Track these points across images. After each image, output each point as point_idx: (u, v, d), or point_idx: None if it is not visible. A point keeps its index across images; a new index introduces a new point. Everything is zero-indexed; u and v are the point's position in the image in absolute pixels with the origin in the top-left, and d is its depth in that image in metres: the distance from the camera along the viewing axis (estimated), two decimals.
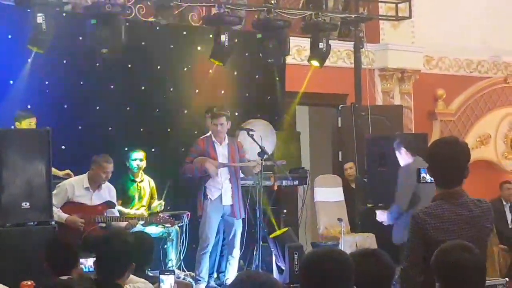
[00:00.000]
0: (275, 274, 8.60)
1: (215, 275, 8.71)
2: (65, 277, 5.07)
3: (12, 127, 8.21)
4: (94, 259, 5.25)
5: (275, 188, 8.99)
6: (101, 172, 8.09)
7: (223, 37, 9.19)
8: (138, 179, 8.91)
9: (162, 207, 8.87)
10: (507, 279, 8.04)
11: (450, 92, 13.18)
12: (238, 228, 8.45)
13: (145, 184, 8.97)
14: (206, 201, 8.29)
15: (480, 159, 13.03)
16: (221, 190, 8.32)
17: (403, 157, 8.24)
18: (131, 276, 4.70)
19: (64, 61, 9.12)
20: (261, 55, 9.82)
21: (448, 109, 13.21)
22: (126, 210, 8.62)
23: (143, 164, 8.89)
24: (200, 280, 8.32)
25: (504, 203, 11.65)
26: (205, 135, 8.63)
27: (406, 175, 7.86)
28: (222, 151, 8.37)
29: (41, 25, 8.00)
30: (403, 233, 7.76)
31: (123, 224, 8.17)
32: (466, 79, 13.51)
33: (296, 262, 8.27)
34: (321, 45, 9.97)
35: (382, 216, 8.28)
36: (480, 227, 4.16)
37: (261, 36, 9.70)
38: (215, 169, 8.23)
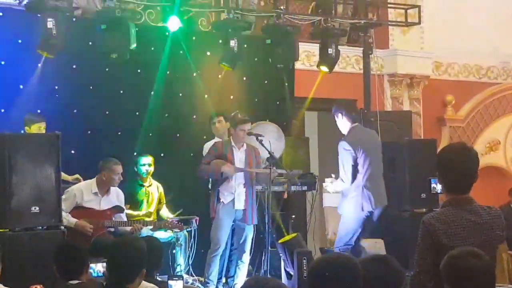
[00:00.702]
0: (284, 279, 8.59)
1: (223, 280, 8.70)
2: (74, 282, 5.09)
3: (22, 131, 8.24)
4: (104, 263, 5.27)
5: (285, 196, 8.98)
6: (113, 175, 8.12)
7: (232, 43, 9.20)
8: (146, 184, 8.93)
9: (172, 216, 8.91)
10: None
11: (459, 98, 13.17)
12: (249, 233, 8.43)
13: (153, 189, 8.99)
14: (218, 204, 8.28)
15: (489, 165, 13.00)
16: (234, 194, 8.31)
17: (343, 123, 8.32)
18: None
19: (74, 66, 9.15)
20: (270, 60, 9.82)
21: (457, 115, 13.19)
22: (134, 213, 8.65)
23: (152, 169, 8.91)
24: (209, 283, 8.32)
25: None
26: (220, 140, 8.61)
27: (345, 151, 8.07)
28: (240, 156, 8.37)
29: (51, 30, 8.01)
30: (351, 206, 8.06)
31: (129, 228, 8.18)
32: (476, 85, 13.50)
33: (304, 268, 8.27)
34: (330, 50, 9.97)
35: (331, 187, 8.32)
36: (490, 233, 4.15)
37: (270, 41, 9.71)
38: (232, 172, 8.22)
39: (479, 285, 3.46)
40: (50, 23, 8.00)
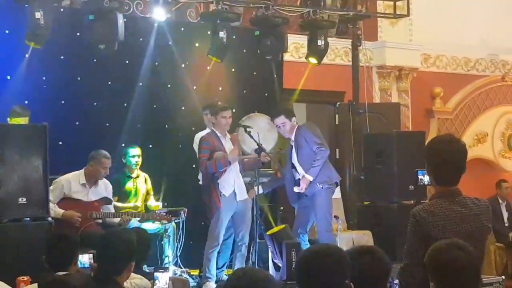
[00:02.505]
0: (272, 271, 8.58)
1: (225, 270, 8.65)
2: (62, 273, 5.07)
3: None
4: (90, 255, 5.26)
5: (279, 175, 8.94)
6: (101, 168, 8.09)
7: (221, 34, 9.17)
8: (134, 175, 8.91)
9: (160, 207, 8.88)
10: (503, 277, 8.06)
11: (447, 90, 13.19)
12: (249, 225, 8.38)
13: (141, 180, 8.96)
14: (220, 197, 8.20)
15: (477, 158, 13.05)
16: (234, 186, 8.27)
17: (292, 127, 8.52)
18: None
19: (62, 57, 9.10)
20: (259, 52, 9.80)
21: (445, 107, 13.21)
22: (122, 205, 8.62)
23: (140, 160, 8.89)
24: (210, 278, 8.22)
25: (501, 201, 11.67)
26: (207, 132, 8.56)
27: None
28: (228, 145, 8.34)
29: (39, 21, 7.97)
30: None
31: (117, 220, 8.15)
32: (464, 77, 13.52)
33: (293, 259, 8.27)
34: (319, 42, 9.96)
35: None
36: (479, 225, 4.15)
37: (259, 33, 9.68)
38: (236, 158, 8.20)
39: (463, 277, 3.45)
40: (38, 14, 7.96)
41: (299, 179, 8.45)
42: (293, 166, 8.53)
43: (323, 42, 9.96)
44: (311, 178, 8.33)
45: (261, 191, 8.55)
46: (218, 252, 8.38)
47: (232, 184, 8.23)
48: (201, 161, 8.23)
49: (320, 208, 8.40)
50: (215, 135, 8.32)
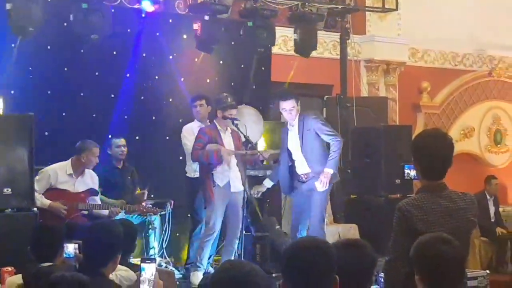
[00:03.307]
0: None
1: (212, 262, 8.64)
2: (46, 264, 5.06)
3: None
4: (76, 245, 5.24)
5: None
6: (92, 157, 8.09)
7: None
8: (120, 166, 8.88)
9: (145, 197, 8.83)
10: (488, 271, 8.09)
11: (435, 84, 13.22)
12: (241, 218, 8.36)
13: (127, 171, 8.93)
14: (214, 188, 8.18)
15: (464, 152, 13.09)
16: (229, 177, 8.24)
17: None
18: None
19: (49, 47, 9.05)
20: (249, 44, 9.76)
21: (432, 102, 13.25)
22: (107, 200, 8.55)
23: (126, 150, 8.86)
24: (199, 267, 8.23)
25: (488, 197, 11.71)
26: (209, 125, 8.47)
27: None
28: (228, 140, 8.31)
29: (27, 11, 7.93)
30: None
31: (106, 212, 8.13)
32: (451, 72, 13.55)
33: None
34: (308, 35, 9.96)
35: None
36: (464, 219, 4.17)
37: (252, 24, 9.65)
38: (229, 154, 8.16)
39: (448, 271, 3.47)
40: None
41: (291, 165, 8.31)
42: (288, 152, 8.34)
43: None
44: (331, 171, 8.07)
45: (270, 184, 8.47)
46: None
47: (227, 175, 8.21)
48: (194, 149, 8.22)
49: (321, 203, 8.27)
50: (216, 128, 8.29)
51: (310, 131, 8.18)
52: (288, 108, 8.18)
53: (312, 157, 8.18)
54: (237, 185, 8.26)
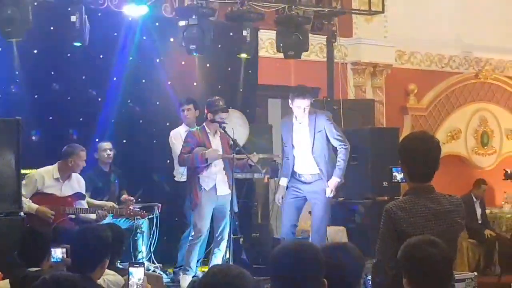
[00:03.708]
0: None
1: (199, 266, 8.63)
2: (34, 269, 5.04)
3: None
4: (63, 249, 5.22)
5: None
6: (80, 161, 8.09)
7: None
8: (107, 170, 8.87)
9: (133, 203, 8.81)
10: (475, 273, 8.11)
11: (421, 87, 13.25)
12: (228, 221, 8.33)
13: (114, 175, 8.92)
14: (200, 191, 8.18)
15: (451, 154, 13.12)
16: (215, 180, 8.25)
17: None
18: None
19: (35, 51, 9.03)
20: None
21: (419, 104, 13.27)
22: (96, 202, 8.54)
23: (112, 154, 8.85)
24: (188, 271, 8.21)
25: (475, 199, 11.73)
26: (198, 127, 8.45)
27: None
28: (216, 143, 8.30)
29: (12, 15, 7.90)
30: None
31: (93, 216, 8.11)
32: (438, 74, 13.59)
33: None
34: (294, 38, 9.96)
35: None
36: (451, 221, 4.18)
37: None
38: (216, 157, 8.14)
39: (435, 273, 3.48)
40: (9, 8, 7.89)
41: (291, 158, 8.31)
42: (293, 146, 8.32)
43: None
44: (338, 180, 8.20)
45: (286, 181, 8.38)
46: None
47: (214, 178, 8.21)
48: (181, 153, 8.22)
49: (328, 206, 8.31)
50: (205, 131, 8.29)
51: (322, 132, 8.21)
52: (304, 106, 8.19)
53: (321, 158, 8.21)
54: (224, 189, 8.26)
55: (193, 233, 8.26)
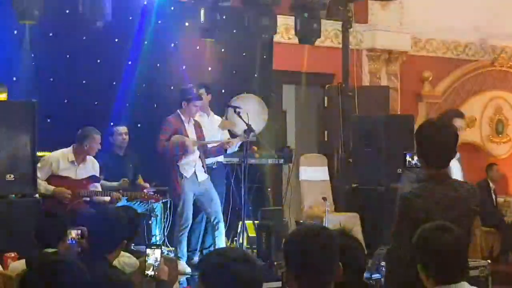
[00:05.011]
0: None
1: (198, 253, 8.70)
2: (50, 250, 5.07)
3: None
4: (78, 231, 5.26)
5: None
6: (95, 144, 8.09)
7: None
8: (122, 153, 8.89)
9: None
10: (489, 261, 8.10)
11: (436, 74, 13.19)
12: (217, 200, 8.45)
13: (129, 159, 8.94)
14: (181, 180, 8.27)
15: (465, 142, 13.06)
16: (195, 167, 8.31)
17: None
18: None
19: (51, 34, 9.04)
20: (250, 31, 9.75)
21: (434, 91, 13.22)
22: (109, 184, 8.57)
23: (127, 138, 8.88)
24: (181, 258, 8.30)
25: (491, 185, 11.70)
26: (173, 114, 8.53)
27: None
28: (190, 130, 8.40)
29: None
30: None
31: (107, 198, 8.14)
32: (453, 62, 13.53)
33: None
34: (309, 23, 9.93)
35: None
36: (466, 208, 4.18)
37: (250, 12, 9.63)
38: (193, 145, 8.24)
39: (450, 260, 3.48)
40: None
41: None
42: None
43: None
44: None
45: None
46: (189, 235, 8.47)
47: (193, 165, 8.34)
48: (160, 141, 8.28)
49: None
50: (180, 119, 8.35)
51: None
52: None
53: None
54: (203, 175, 8.42)
55: (181, 222, 8.31)
